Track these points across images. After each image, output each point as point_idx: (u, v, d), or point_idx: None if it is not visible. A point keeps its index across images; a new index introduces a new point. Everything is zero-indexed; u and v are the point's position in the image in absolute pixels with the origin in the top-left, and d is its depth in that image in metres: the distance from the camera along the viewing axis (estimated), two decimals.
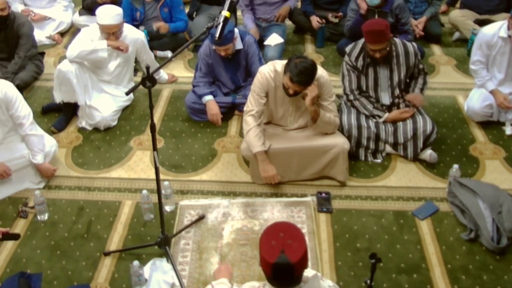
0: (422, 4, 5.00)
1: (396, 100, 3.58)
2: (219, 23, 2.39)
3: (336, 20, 4.96)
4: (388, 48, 3.42)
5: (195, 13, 5.25)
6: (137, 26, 4.73)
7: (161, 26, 4.65)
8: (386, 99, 3.57)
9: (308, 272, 1.97)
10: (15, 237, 2.42)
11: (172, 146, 3.79)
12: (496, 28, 3.72)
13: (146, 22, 4.72)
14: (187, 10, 5.09)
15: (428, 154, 3.51)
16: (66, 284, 2.79)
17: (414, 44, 3.56)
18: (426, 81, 3.64)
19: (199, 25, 5.00)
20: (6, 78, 3.69)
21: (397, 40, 3.53)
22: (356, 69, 3.54)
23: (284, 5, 4.89)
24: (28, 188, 3.39)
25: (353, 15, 4.51)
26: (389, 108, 3.59)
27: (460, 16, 5.00)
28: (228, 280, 2.40)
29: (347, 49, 3.59)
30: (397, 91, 3.55)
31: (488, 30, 3.77)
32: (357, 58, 3.51)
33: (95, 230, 3.11)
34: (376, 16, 4.44)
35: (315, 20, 4.93)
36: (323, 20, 4.95)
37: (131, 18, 4.66)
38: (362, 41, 3.52)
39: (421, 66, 3.60)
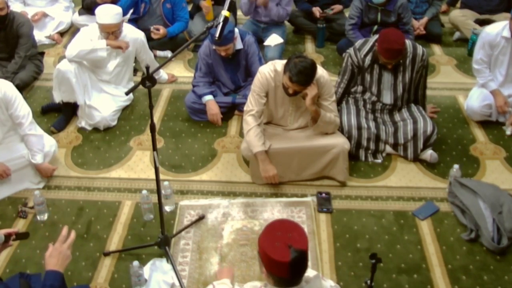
0: (422, 4, 5.00)
1: (399, 102, 3.56)
2: (219, 23, 2.39)
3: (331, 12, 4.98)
4: (401, 60, 3.39)
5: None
6: (137, 20, 4.73)
7: (159, 32, 4.63)
8: (387, 98, 3.54)
9: (310, 272, 1.97)
10: (26, 235, 2.47)
11: (172, 146, 3.78)
12: (500, 28, 3.72)
13: (147, 16, 4.70)
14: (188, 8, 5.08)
15: (429, 154, 3.50)
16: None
17: (424, 49, 3.47)
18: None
19: (199, 25, 5.00)
20: (6, 78, 3.68)
21: (407, 41, 3.40)
22: (359, 67, 3.52)
23: None
24: (27, 188, 3.39)
25: (356, 13, 4.48)
26: (389, 110, 3.59)
27: (461, 16, 5.00)
28: (229, 281, 2.40)
29: (357, 44, 3.53)
30: (399, 92, 3.52)
31: (491, 30, 3.77)
32: (365, 56, 3.47)
33: (95, 230, 3.11)
34: (379, 15, 4.42)
35: (317, 11, 4.93)
36: (323, 12, 4.96)
37: (134, 11, 4.65)
38: (373, 39, 3.47)
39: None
